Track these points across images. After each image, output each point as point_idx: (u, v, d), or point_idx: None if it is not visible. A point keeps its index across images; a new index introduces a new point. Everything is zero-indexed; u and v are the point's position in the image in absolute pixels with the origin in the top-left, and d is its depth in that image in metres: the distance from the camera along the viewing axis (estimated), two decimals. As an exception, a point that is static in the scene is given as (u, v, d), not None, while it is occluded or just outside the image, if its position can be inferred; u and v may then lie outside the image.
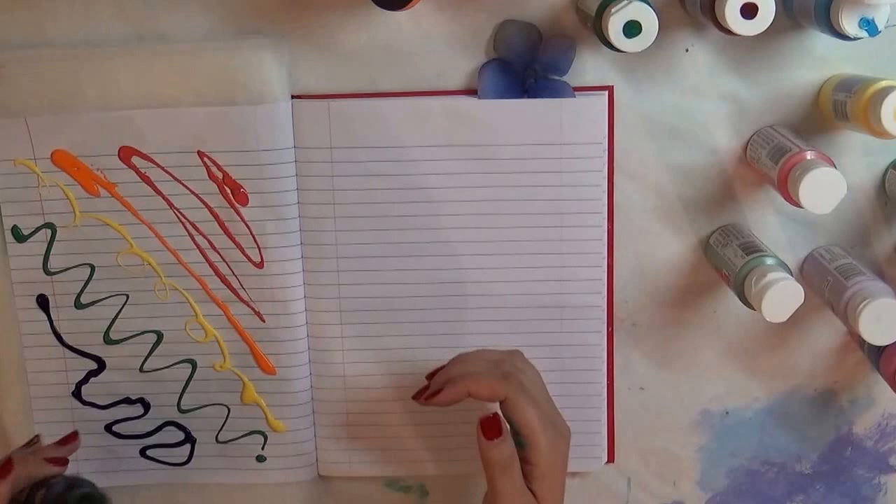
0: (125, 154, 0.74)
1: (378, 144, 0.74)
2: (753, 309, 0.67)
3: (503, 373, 0.70)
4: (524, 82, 0.73)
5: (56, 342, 0.78)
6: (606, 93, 0.74)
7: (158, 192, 0.75)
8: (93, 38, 0.73)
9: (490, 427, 0.69)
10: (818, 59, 0.73)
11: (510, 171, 0.74)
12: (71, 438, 0.75)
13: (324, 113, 0.74)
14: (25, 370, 0.78)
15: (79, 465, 0.80)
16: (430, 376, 0.73)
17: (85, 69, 0.73)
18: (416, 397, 0.72)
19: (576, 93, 0.73)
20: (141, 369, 0.79)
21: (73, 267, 0.76)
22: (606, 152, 0.74)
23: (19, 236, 0.76)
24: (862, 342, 0.76)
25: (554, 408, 0.72)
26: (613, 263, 0.77)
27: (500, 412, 0.70)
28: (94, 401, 0.79)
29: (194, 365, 0.79)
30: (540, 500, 0.70)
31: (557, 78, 0.73)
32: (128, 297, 0.77)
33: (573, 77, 0.73)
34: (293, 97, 0.74)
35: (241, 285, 0.77)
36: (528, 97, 0.73)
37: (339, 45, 0.73)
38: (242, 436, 0.80)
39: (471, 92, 0.74)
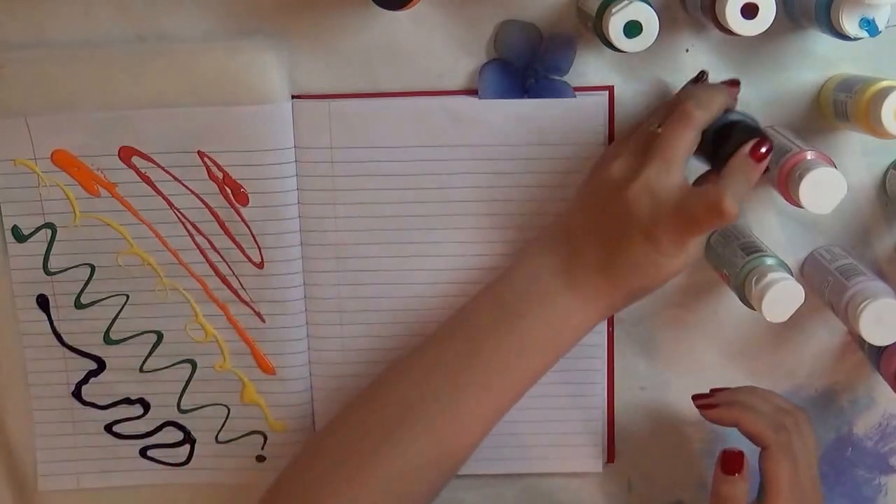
0: (125, 154, 0.74)
1: (378, 144, 0.74)
2: (754, 309, 0.67)
3: (780, 423, 0.70)
4: (525, 82, 0.73)
5: (56, 342, 0.78)
6: (607, 93, 0.74)
7: (159, 192, 0.75)
8: (93, 39, 0.73)
9: (732, 462, 0.70)
10: (818, 60, 0.73)
11: (510, 171, 0.74)
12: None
13: (324, 113, 0.74)
14: (25, 370, 0.78)
15: (77, 465, 0.80)
16: (717, 390, 0.74)
17: (85, 69, 0.73)
18: (695, 398, 0.73)
19: (576, 93, 0.73)
20: (141, 369, 0.79)
21: (73, 267, 0.76)
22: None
23: (19, 236, 0.76)
24: (862, 342, 0.75)
25: (814, 485, 0.71)
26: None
27: (746, 456, 0.70)
28: (93, 401, 0.79)
29: (194, 365, 0.79)
30: None
31: (558, 78, 0.73)
32: (128, 297, 0.77)
33: (574, 77, 0.73)
34: (293, 97, 0.74)
35: (242, 285, 0.77)
36: (529, 97, 0.73)
37: (339, 45, 0.73)
38: (242, 436, 0.80)
39: (471, 92, 0.74)
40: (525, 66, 0.73)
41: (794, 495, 0.68)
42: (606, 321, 0.77)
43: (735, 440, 0.71)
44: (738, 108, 0.72)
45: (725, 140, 0.66)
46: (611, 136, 0.74)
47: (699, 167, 0.70)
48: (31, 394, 0.79)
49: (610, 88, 0.74)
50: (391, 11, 0.66)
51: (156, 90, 0.73)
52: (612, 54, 0.71)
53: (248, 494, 0.80)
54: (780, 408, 0.72)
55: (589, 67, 0.73)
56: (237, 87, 0.73)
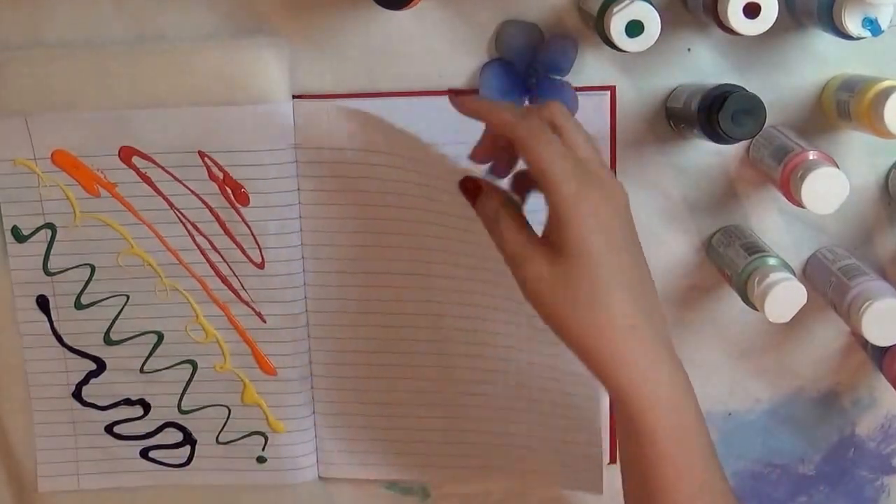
0: (125, 154, 0.74)
1: (380, 144, 0.74)
2: (756, 309, 0.67)
3: (527, 111, 0.61)
4: (526, 82, 0.73)
5: (56, 343, 0.78)
6: (608, 93, 0.74)
7: (159, 193, 0.75)
8: (93, 38, 0.73)
9: (466, 188, 0.65)
10: (821, 59, 0.73)
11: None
12: None
13: (325, 113, 0.74)
14: (25, 371, 0.78)
15: (78, 466, 0.80)
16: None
17: (85, 69, 0.73)
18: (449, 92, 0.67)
19: (578, 93, 0.73)
20: (141, 370, 0.79)
21: (74, 267, 0.76)
22: (609, 152, 0.74)
23: (19, 236, 0.76)
24: (865, 343, 0.75)
25: (593, 158, 0.61)
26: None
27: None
28: (94, 402, 0.79)
29: (195, 366, 0.78)
30: (561, 249, 0.59)
31: (559, 78, 0.73)
32: (128, 297, 0.77)
33: (575, 77, 0.73)
34: (294, 97, 0.74)
35: (242, 286, 0.77)
36: (530, 97, 0.73)
37: (340, 44, 0.73)
38: (243, 437, 0.80)
39: (472, 91, 0.74)
40: (526, 66, 0.73)
41: (567, 173, 0.58)
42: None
43: (738, 445, 0.71)
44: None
45: (720, 110, 0.66)
46: (613, 136, 0.74)
47: (700, 161, 0.71)
48: (30, 394, 0.79)
49: (612, 88, 0.74)
50: (393, 11, 0.66)
51: (156, 90, 0.73)
52: (614, 54, 0.71)
53: (248, 496, 0.80)
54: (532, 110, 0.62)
55: (590, 67, 0.73)
56: (237, 87, 0.72)
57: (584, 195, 0.59)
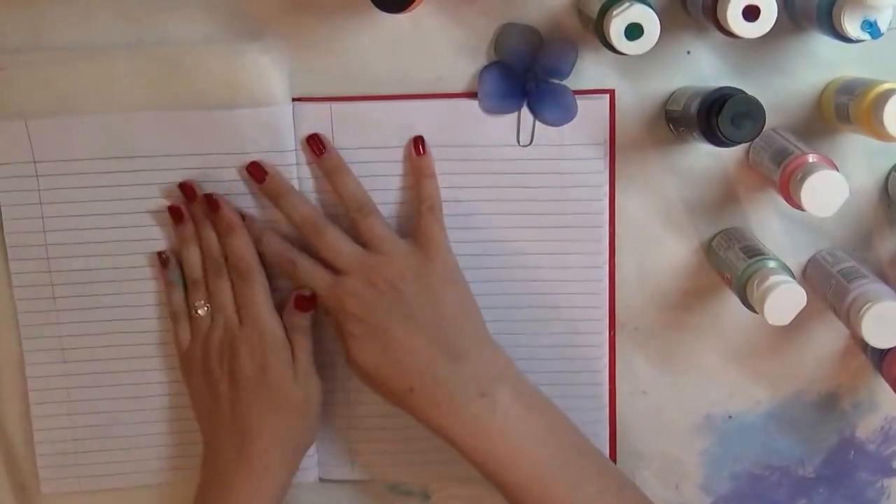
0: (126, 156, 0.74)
1: (379, 146, 0.74)
2: (756, 312, 0.67)
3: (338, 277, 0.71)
4: (525, 86, 0.73)
5: (57, 345, 0.78)
6: (608, 96, 0.73)
7: (161, 195, 0.75)
8: (93, 42, 0.73)
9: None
10: (820, 62, 0.72)
11: (511, 171, 0.74)
12: None
13: (325, 115, 0.74)
14: (25, 373, 0.78)
15: (79, 468, 0.80)
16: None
17: (85, 72, 0.73)
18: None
19: (577, 96, 0.73)
20: (142, 371, 0.78)
21: (74, 270, 0.76)
22: (608, 155, 0.74)
23: (19, 239, 0.76)
24: (865, 345, 0.76)
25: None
26: (615, 267, 0.77)
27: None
28: (94, 403, 0.79)
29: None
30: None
31: (558, 81, 0.73)
32: (129, 299, 0.77)
33: (575, 80, 0.73)
34: (294, 100, 0.74)
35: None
36: (529, 101, 0.73)
37: (340, 47, 0.73)
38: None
39: (472, 95, 0.74)
40: (525, 70, 0.73)
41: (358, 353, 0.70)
42: (607, 326, 0.77)
43: (738, 447, 0.71)
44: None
45: (719, 113, 0.66)
46: (612, 140, 0.74)
47: (700, 164, 0.71)
48: (30, 399, 0.79)
49: (611, 92, 0.74)
50: (392, 14, 0.66)
51: (156, 93, 0.73)
52: (613, 57, 0.71)
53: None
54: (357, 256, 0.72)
55: (589, 70, 0.73)
56: (238, 91, 0.72)
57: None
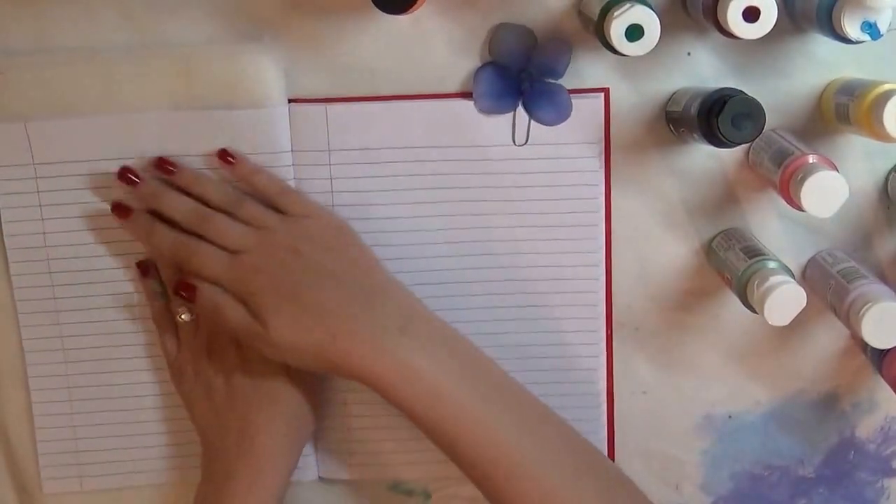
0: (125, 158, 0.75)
1: (375, 147, 0.74)
2: (756, 313, 0.67)
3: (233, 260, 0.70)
4: (520, 86, 0.73)
5: (58, 346, 0.78)
6: (602, 95, 0.74)
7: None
8: (97, 45, 0.73)
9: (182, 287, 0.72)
10: (820, 63, 0.73)
11: (507, 171, 0.75)
12: None
13: (321, 116, 0.74)
14: (26, 375, 0.78)
15: (80, 468, 0.80)
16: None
17: (85, 74, 0.73)
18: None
19: (571, 95, 0.73)
20: (143, 371, 0.78)
21: (74, 271, 0.76)
22: (603, 154, 0.74)
23: (19, 241, 0.76)
24: (864, 346, 0.76)
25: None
26: (612, 266, 0.77)
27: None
28: (95, 403, 0.79)
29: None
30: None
31: (553, 81, 0.73)
32: (129, 300, 0.77)
33: (574, 80, 0.73)
34: (291, 101, 0.74)
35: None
36: (524, 100, 0.73)
37: (340, 48, 0.73)
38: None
39: (467, 95, 0.74)
40: (520, 70, 0.73)
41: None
42: (605, 325, 0.77)
43: (738, 447, 0.71)
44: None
45: (719, 114, 0.66)
46: (607, 138, 0.74)
47: (700, 165, 0.71)
48: (31, 399, 0.79)
49: (605, 90, 0.74)
50: (390, 15, 0.66)
51: (154, 94, 0.73)
52: (614, 58, 0.71)
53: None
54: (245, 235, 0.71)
55: (590, 71, 0.73)
56: (235, 92, 0.73)
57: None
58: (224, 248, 0.71)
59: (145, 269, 0.76)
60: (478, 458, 0.68)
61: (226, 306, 0.70)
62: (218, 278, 0.71)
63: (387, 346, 0.67)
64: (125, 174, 0.74)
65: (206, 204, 0.73)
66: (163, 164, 0.73)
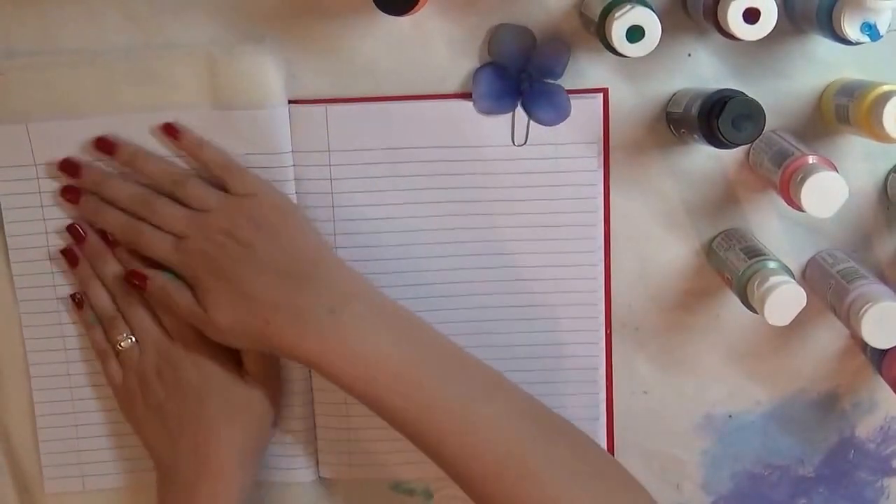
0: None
1: (375, 147, 0.75)
2: (756, 313, 0.67)
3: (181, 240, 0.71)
4: (519, 86, 0.73)
5: (59, 346, 0.78)
6: (601, 95, 0.74)
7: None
8: (99, 46, 0.73)
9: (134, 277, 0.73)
10: (820, 64, 0.73)
11: (506, 171, 0.75)
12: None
13: (321, 117, 0.74)
14: (29, 374, 0.78)
15: (83, 468, 0.80)
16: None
17: (86, 75, 0.73)
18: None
19: (570, 95, 0.73)
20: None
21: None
22: (602, 154, 0.75)
23: (21, 241, 0.76)
24: (864, 345, 0.76)
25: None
26: (613, 266, 0.77)
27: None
28: (97, 404, 0.79)
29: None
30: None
31: (552, 81, 0.73)
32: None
33: (575, 80, 0.73)
34: (291, 102, 0.74)
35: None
36: (523, 101, 0.74)
37: (341, 50, 0.73)
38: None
39: (466, 95, 0.74)
40: (519, 70, 0.73)
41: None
42: (604, 325, 0.77)
43: (738, 447, 0.71)
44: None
45: (720, 115, 0.66)
46: (606, 139, 0.74)
47: (701, 166, 0.71)
48: (34, 398, 0.79)
49: (604, 90, 0.74)
50: (391, 16, 0.66)
51: (155, 95, 0.73)
52: (615, 59, 0.71)
53: (252, 492, 0.80)
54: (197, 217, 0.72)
55: (591, 72, 0.73)
56: (235, 92, 0.73)
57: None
58: (168, 232, 0.72)
59: (79, 301, 0.76)
60: (423, 429, 0.67)
61: (174, 293, 0.71)
62: (166, 262, 0.72)
63: (316, 328, 0.67)
64: (66, 166, 0.74)
65: (150, 183, 0.73)
66: (102, 144, 0.73)
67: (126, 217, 0.73)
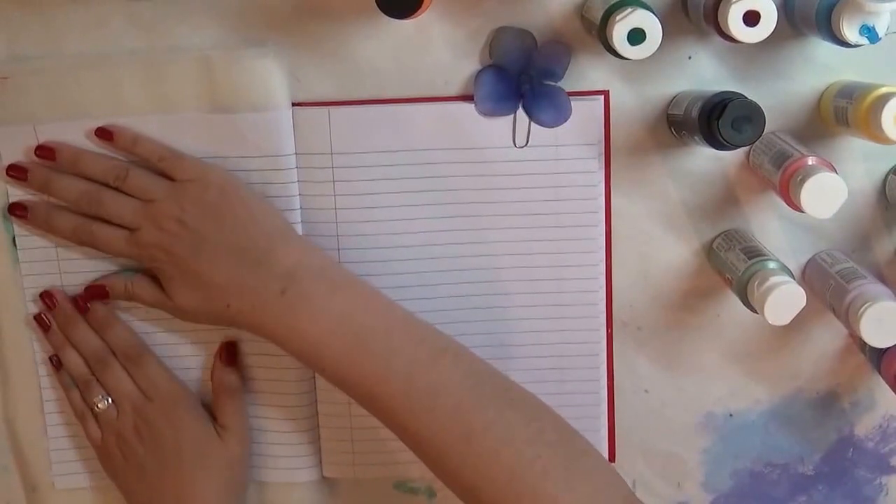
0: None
1: (378, 150, 0.75)
2: (756, 312, 0.68)
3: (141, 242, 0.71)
4: (520, 88, 0.74)
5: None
6: (602, 97, 0.74)
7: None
8: (104, 50, 0.74)
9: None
10: (819, 66, 0.73)
11: (507, 173, 0.75)
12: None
13: (324, 120, 0.74)
14: (38, 374, 0.79)
15: (91, 464, 0.80)
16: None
17: (92, 78, 0.73)
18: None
19: (571, 97, 0.74)
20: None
21: (83, 271, 0.77)
22: (603, 155, 0.75)
23: (30, 242, 0.76)
24: (863, 345, 0.76)
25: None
26: (614, 266, 0.77)
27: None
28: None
29: (201, 364, 0.79)
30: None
31: (553, 84, 0.74)
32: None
33: (576, 82, 0.74)
34: (295, 104, 0.74)
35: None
36: (524, 103, 0.74)
37: (346, 53, 0.74)
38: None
39: (468, 98, 0.74)
40: (520, 72, 0.73)
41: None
42: (605, 324, 0.78)
43: (738, 445, 0.71)
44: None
45: (720, 117, 0.66)
46: (607, 141, 0.75)
47: (701, 167, 0.71)
48: (42, 397, 0.79)
49: (605, 93, 0.74)
50: (394, 20, 0.66)
51: (160, 98, 0.73)
52: (616, 61, 0.72)
53: (250, 494, 0.80)
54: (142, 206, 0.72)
55: (592, 74, 0.74)
56: (239, 95, 0.73)
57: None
58: (120, 226, 0.72)
59: (57, 363, 0.77)
60: (380, 405, 0.68)
61: (137, 291, 0.73)
62: (123, 256, 0.73)
63: (271, 310, 0.69)
64: (10, 172, 0.74)
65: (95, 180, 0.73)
66: (42, 151, 0.74)
67: (76, 219, 0.73)
